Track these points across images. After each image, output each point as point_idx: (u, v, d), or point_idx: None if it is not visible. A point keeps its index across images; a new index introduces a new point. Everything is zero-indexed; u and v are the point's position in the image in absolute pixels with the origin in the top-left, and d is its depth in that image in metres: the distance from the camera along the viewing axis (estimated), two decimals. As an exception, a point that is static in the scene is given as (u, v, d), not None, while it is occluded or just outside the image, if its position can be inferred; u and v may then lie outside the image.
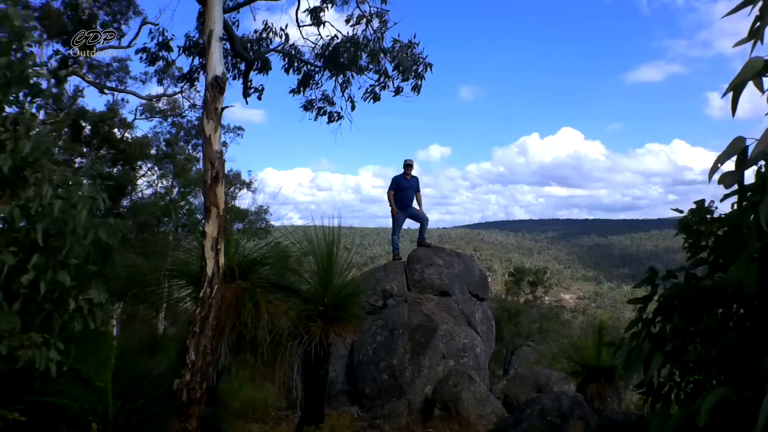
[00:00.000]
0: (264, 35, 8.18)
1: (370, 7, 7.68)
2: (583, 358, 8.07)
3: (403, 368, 7.49)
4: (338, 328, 5.74)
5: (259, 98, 8.36)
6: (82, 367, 4.02)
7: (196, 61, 7.99)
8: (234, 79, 7.96)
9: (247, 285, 5.56)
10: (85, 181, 3.54)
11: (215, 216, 4.70)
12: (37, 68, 3.34)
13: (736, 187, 1.71)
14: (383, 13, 7.66)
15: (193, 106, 19.79)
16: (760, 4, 1.64)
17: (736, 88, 1.62)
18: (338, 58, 7.84)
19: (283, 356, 5.43)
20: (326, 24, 8.06)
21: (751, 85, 1.63)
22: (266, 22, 8.20)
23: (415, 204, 9.82)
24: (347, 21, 7.83)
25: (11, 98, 3.22)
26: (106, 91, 18.17)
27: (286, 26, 8.25)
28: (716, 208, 2.27)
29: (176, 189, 20.76)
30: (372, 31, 7.70)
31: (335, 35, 8.05)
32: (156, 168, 20.70)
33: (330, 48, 7.99)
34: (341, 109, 8.56)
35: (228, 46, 6.65)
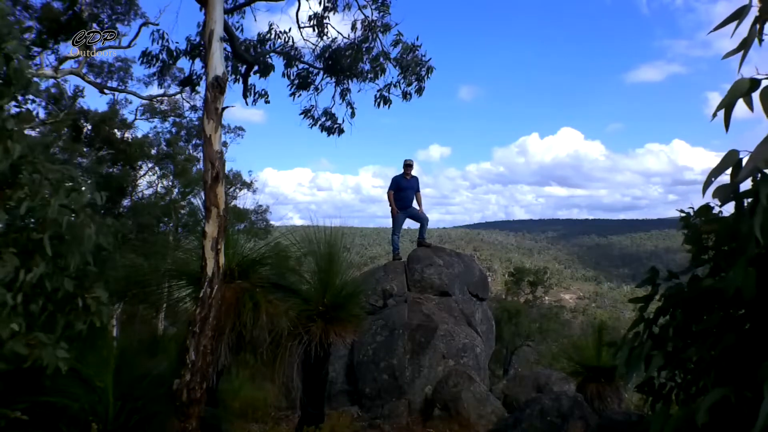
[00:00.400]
0: (268, 36, 8.19)
1: (372, 11, 7.67)
2: (583, 358, 8.07)
3: (403, 368, 7.49)
4: (338, 328, 5.74)
5: (266, 102, 8.38)
6: (82, 367, 4.02)
7: (197, 64, 8.00)
8: (235, 82, 7.96)
9: (247, 285, 5.56)
10: (87, 182, 3.54)
11: (215, 216, 4.70)
12: (35, 67, 3.33)
13: (730, 198, 1.72)
14: (385, 15, 7.66)
15: (193, 107, 19.81)
16: (749, 16, 1.66)
17: (727, 107, 1.64)
18: (339, 63, 7.85)
19: (283, 356, 5.43)
20: (327, 26, 8.07)
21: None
22: (271, 24, 8.21)
23: (415, 204, 9.83)
24: (352, 27, 7.82)
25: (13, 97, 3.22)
26: (106, 91, 18.17)
27: (290, 29, 8.24)
28: (721, 212, 2.28)
29: (176, 189, 20.77)
30: (373, 36, 7.69)
31: (335, 38, 8.06)
32: (157, 168, 20.71)
33: (330, 51, 8.00)
34: (342, 120, 8.57)
35: (229, 47, 6.65)
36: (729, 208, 1.93)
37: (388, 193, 9.74)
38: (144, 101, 19.89)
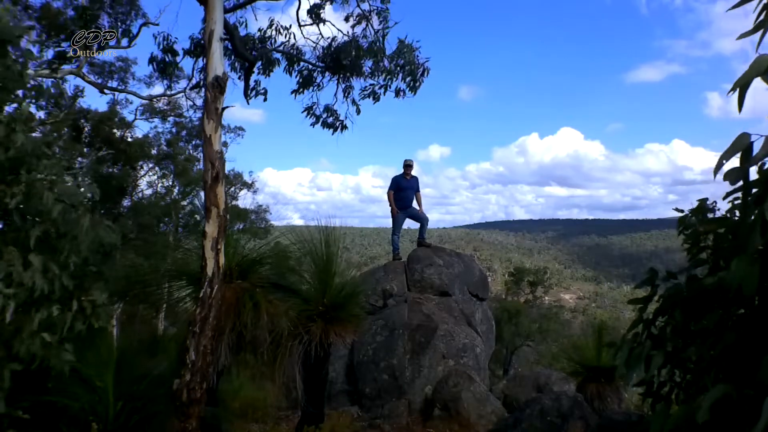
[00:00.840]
0: (269, 34, 8.17)
1: (370, 5, 7.66)
2: (583, 358, 8.07)
3: (403, 368, 7.49)
4: (338, 328, 5.75)
5: (265, 99, 8.37)
6: (82, 367, 4.03)
7: (200, 63, 7.99)
8: (239, 79, 7.95)
9: (247, 285, 5.56)
10: (85, 180, 3.55)
11: (215, 216, 4.70)
12: (33, 68, 3.34)
13: (740, 183, 1.71)
14: (384, 12, 7.63)
15: (193, 106, 19.80)
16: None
17: (744, 85, 1.61)
18: (341, 61, 7.83)
19: (283, 356, 5.43)
20: (327, 23, 8.05)
21: (752, 85, 1.63)
22: (272, 20, 8.19)
23: (415, 204, 9.83)
24: (346, 19, 7.80)
25: (12, 97, 3.22)
26: (106, 91, 18.17)
27: (290, 27, 8.22)
28: (718, 209, 2.28)
29: (176, 189, 20.78)
30: (373, 32, 7.68)
31: (335, 36, 8.04)
32: (157, 168, 20.72)
33: (332, 49, 7.99)
34: (345, 117, 8.55)
35: (230, 45, 6.64)
36: (726, 207, 1.93)
37: (388, 193, 9.74)
38: (144, 101, 19.90)
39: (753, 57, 1.66)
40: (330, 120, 8.54)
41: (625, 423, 5.31)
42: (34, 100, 3.43)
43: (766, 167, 1.75)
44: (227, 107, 5.01)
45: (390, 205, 9.71)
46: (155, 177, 20.98)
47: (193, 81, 8.40)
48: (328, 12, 8.04)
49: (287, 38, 8.25)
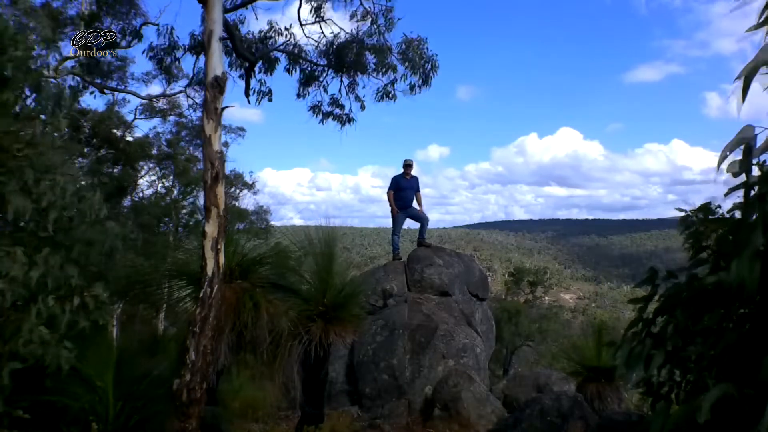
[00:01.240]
0: (269, 34, 8.18)
1: (374, 3, 7.65)
2: (583, 358, 8.08)
3: (403, 368, 7.49)
4: (338, 328, 5.75)
5: (270, 100, 8.38)
6: (83, 366, 4.03)
7: (201, 61, 7.99)
8: (240, 78, 7.95)
9: (247, 285, 5.56)
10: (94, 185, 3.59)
11: (215, 216, 4.70)
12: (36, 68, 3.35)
13: (742, 178, 1.71)
14: (388, 11, 7.63)
15: (193, 105, 19.77)
16: None
17: (747, 76, 1.61)
18: (343, 58, 7.83)
19: (282, 356, 5.43)
20: (329, 21, 8.05)
21: (753, 85, 1.63)
22: (271, 22, 8.20)
23: (415, 204, 9.82)
24: (351, 17, 7.80)
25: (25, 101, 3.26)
26: (106, 91, 18.15)
27: (291, 26, 8.22)
28: (719, 207, 2.27)
29: (176, 189, 20.77)
30: (376, 29, 7.67)
31: (338, 34, 8.04)
32: (157, 168, 20.71)
33: (334, 46, 7.98)
34: (350, 110, 8.56)
35: (230, 45, 6.64)
36: (728, 205, 1.93)
37: (388, 193, 9.73)
38: (143, 101, 19.89)
39: (752, 57, 1.66)
40: (337, 112, 8.54)
41: (625, 423, 5.31)
42: (37, 102, 3.44)
43: (767, 164, 1.75)
44: (227, 107, 5.01)
45: (390, 205, 9.70)
46: (155, 177, 20.98)
47: (194, 81, 8.40)
48: (329, 10, 8.05)
49: (288, 37, 8.26)
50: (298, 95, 8.49)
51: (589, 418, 6.15)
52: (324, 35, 8.12)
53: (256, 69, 8.07)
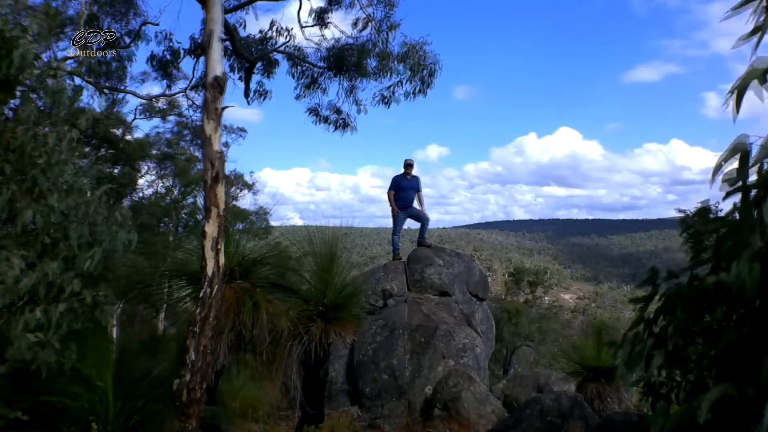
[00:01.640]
0: (269, 35, 8.19)
1: (375, 9, 7.66)
2: (583, 358, 8.08)
3: (403, 368, 7.49)
4: (338, 328, 5.75)
5: (269, 99, 8.40)
6: (82, 366, 4.02)
7: (201, 63, 7.99)
8: (240, 80, 7.97)
9: (247, 285, 5.56)
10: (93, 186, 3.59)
11: (215, 216, 4.70)
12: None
13: (739, 184, 1.70)
14: (390, 15, 7.63)
15: (192, 105, 19.76)
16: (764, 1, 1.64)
17: (740, 91, 1.61)
18: (344, 62, 7.84)
19: (282, 356, 5.43)
20: (330, 25, 8.07)
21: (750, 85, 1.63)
22: (273, 21, 8.21)
23: (416, 204, 9.81)
24: (354, 25, 7.81)
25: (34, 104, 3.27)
26: (105, 90, 18.13)
27: (291, 29, 8.24)
28: (720, 209, 2.27)
29: (176, 189, 20.77)
30: (377, 35, 7.67)
31: (339, 38, 8.06)
32: (158, 168, 20.70)
33: (335, 50, 7.99)
34: (347, 116, 8.57)
35: (230, 46, 6.65)
36: (728, 206, 1.92)
37: (389, 193, 9.72)
38: (143, 101, 19.88)
39: (750, 57, 1.65)
40: (334, 118, 8.56)
41: (625, 423, 5.31)
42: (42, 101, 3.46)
43: (765, 168, 1.74)
44: (227, 107, 5.01)
45: (390, 205, 9.69)
46: (155, 177, 20.98)
47: (193, 81, 8.44)
48: (332, 15, 8.06)
49: (288, 39, 8.27)
50: (297, 97, 8.51)
51: (589, 418, 6.15)
52: (324, 38, 8.14)
53: (256, 71, 8.08)
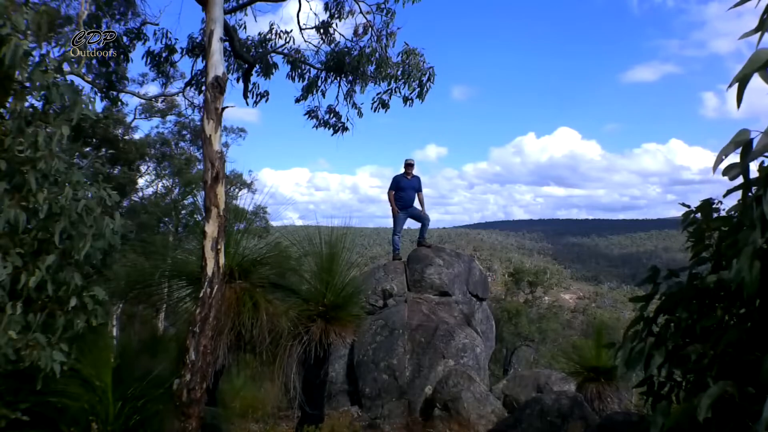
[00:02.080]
0: (269, 36, 8.19)
1: (375, 16, 7.65)
2: (583, 358, 8.08)
3: (403, 368, 7.49)
4: (338, 328, 5.74)
5: (266, 101, 8.39)
6: (82, 367, 4.02)
7: (200, 63, 8.00)
8: (237, 81, 7.96)
9: (247, 285, 5.56)
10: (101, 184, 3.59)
11: (215, 216, 4.70)
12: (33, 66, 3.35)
13: (740, 180, 1.70)
14: (390, 22, 7.62)
15: (190, 104, 19.76)
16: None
17: (742, 81, 1.61)
18: (343, 65, 7.85)
19: (282, 356, 5.43)
20: (330, 29, 8.07)
21: (751, 85, 1.63)
22: (272, 24, 8.21)
23: (416, 204, 9.81)
24: (355, 33, 7.83)
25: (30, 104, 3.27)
26: (119, 100, 18.12)
27: (291, 31, 8.24)
28: (721, 205, 2.27)
29: (176, 189, 20.76)
30: (377, 42, 7.67)
31: (338, 42, 8.06)
32: (157, 168, 20.70)
33: (334, 53, 8.00)
34: (347, 119, 8.57)
35: (229, 47, 6.64)
36: (730, 203, 1.93)
37: (389, 192, 9.72)
38: (143, 101, 19.89)
39: (749, 57, 1.65)
40: (333, 121, 8.56)
41: (625, 423, 5.31)
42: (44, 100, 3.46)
43: (766, 165, 1.74)
44: (227, 107, 5.01)
45: (390, 205, 9.69)
46: (155, 177, 20.98)
47: (188, 77, 8.44)
48: (332, 21, 8.07)
49: (287, 41, 8.27)
50: (297, 100, 8.50)
51: (589, 418, 6.15)
52: (323, 41, 8.14)
53: (254, 73, 8.08)
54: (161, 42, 7.69)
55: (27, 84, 3.26)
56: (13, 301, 2.99)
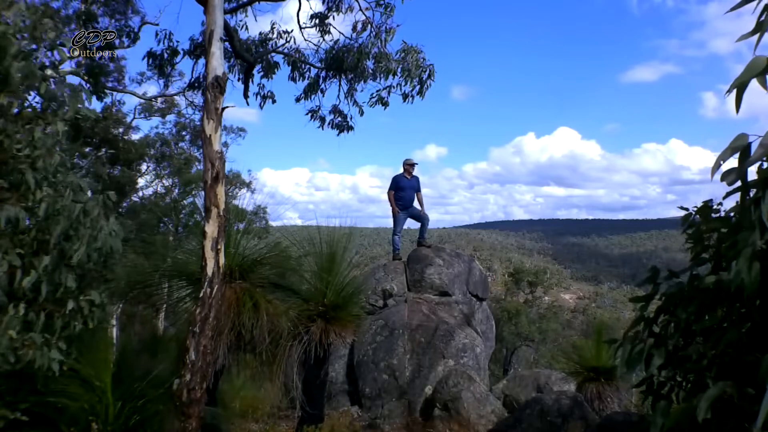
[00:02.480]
0: (269, 36, 8.19)
1: (374, 12, 7.65)
2: (583, 358, 8.08)
3: (403, 368, 7.49)
4: (338, 328, 5.74)
5: (273, 102, 8.41)
6: (82, 367, 4.02)
7: (201, 64, 8.01)
8: (239, 81, 7.96)
9: (247, 285, 5.56)
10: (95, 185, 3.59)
11: (215, 216, 4.70)
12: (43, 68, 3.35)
13: (738, 184, 1.70)
14: (389, 17, 7.62)
15: (190, 104, 19.77)
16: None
17: (740, 87, 1.61)
18: (343, 63, 7.84)
19: (282, 356, 5.43)
20: (330, 27, 8.06)
21: (750, 85, 1.63)
22: (272, 23, 8.21)
23: (416, 204, 9.81)
24: (353, 29, 7.81)
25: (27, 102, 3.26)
26: (105, 91, 18.11)
27: (291, 30, 8.24)
28: (721, 205, 2.27)
29: (176, 189, 20.77)
30: (375, 37, 7.67)
31: (338, 40, 8.06)
32: (157, 168, 20.71)
33: (334, 52, 7.99)
34: (350, 117, 8.57)
35: (230, 47, 6.64)
36: (730, 205, 1.93)
37: (389, 193, 9.72)
38: (142, 101, 19.89)
39: (749, 57, 1.65)
40: (338, 121, 8.56)
41: (625, 423, 5.31)
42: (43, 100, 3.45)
43: (765, 167, 1.74)
44: (227, 107, 5.01)
45: (391, 206, 9.68)
46: (154, 177, 20.98)
47: (191, 80, 8.43)
48: (332, 18, 8.06)
49: (287, 40, 8.27)
50: (297, 99, 8.50)
51: (589, 418, 6.15)
52: (324, 39, 8.14)
53: (255, 72, 8.08)
54: (163, 43, 7.69)
55: (22, 82, 3.25)
56: (15, 302, 2.99)
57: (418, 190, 9.84)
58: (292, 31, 8.25)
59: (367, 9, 7.68)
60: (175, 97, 19.96)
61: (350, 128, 8.60)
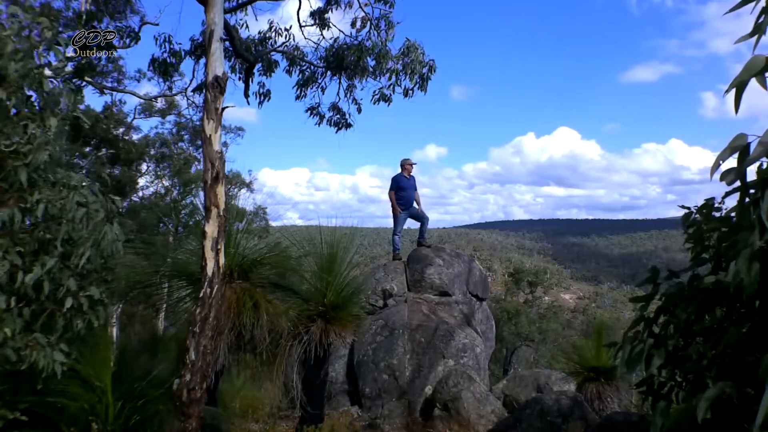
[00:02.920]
0: (268, 35, 8.20)
1: (373, 9, 7.65)
2: (583, 358, 8.07)
3: (403, 368, 7.49)
4: (338, 328, 5.75)
5: (268, 100, 8.40)
6: (82, 367, 4.02)
7: (201, 65, 8.01)
8: (239, 80, 7.97)
9: (247, 285, 5.56)
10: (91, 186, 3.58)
11: (215, 216, 4.70)
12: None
13: (737, 184, 1.70)
14: (388, 15, 7.62)
15: (191, 104, 19.76)
16: (762, 1, 1.64)
17: (739, 86, 1.61)
18: (342, 61, 7.84)
19: (282, 356, 5.43)
20: (329, 23, 8.06)
21: (750, 85, 1.63)
22: (271, 22, 8.22)
23: (415, 203, 9.82)
24: (353, 25, 7.81)
25: (23, 101, 3.25)
26: (105, 91, 18.13)
27: (290, 27, 8.24)
28: (723, 205, 2.27)
29: (176, 189, 20.77)
30: (376, 34, 7.67)
31: (337, 37, 8.06)
32: (157, 168, 20.72)
33: (334, 50, 8.00)
34: (349, 115, 8.57)
35: (230, 47, 6.64)
36: (731, 204, 1.92)
37: (390, 193, 9.72)
38: (142, 100, 19.89)
39: (749, 57, 1.65)
40: (336, 118, 8.56)
41: (625, 423, 5.31)
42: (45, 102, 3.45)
43: (764, 167, 1.74)
44: (227, 107, 5.01)
45: (392, 206, 9.68)
46: (154, 177, 20.99)
47: (194, 83, 8.47)
48: (331, 15, 8.06)
49: (287, 38, 8.28)
50: (297, 97, 8.50)
51: (589, 418, 6.15)
52: (323, 37, 8.15)
53: (255, 71, 8.09)
54: (164, 47, 7.70)
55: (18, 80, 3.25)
56: (13, 299, 2.99)
57: (415, 189, 9.85)
58: (291, 27, 8.25)
59: (366, 5, 7.68)
60: (176, 97, 19.96)
61: (348, 125, 8.60)
